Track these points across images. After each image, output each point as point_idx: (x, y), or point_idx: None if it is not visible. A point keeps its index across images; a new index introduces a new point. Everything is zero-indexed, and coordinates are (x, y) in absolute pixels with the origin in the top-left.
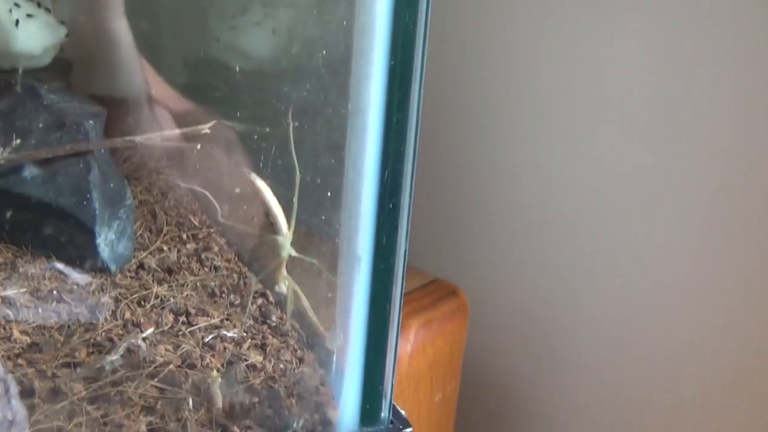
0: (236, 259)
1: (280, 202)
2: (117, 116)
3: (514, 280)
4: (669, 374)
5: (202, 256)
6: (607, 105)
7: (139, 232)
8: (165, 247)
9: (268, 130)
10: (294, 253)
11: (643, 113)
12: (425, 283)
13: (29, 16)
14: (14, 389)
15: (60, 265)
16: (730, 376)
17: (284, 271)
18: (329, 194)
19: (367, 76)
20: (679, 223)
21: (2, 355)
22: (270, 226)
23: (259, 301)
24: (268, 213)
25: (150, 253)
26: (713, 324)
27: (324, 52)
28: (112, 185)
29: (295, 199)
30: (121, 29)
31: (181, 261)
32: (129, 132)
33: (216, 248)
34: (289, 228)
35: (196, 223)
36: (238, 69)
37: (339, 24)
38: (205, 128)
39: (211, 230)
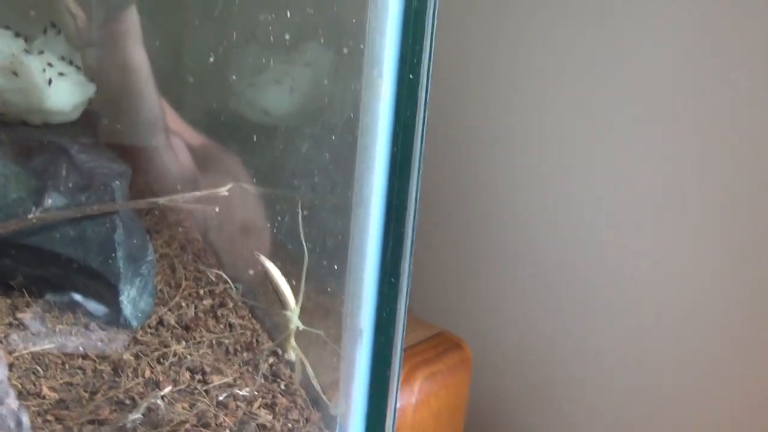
0: (250, 315)
1: (287, 274)
2: (141, 166)
3: (518, 333)
4: (681, 422)
5: (218, 312)
6: (615, 150)
7: (159, 287)
8: (183, 303)
9: (280, 202)
10: (302, 327)
11: (655, 166)
12: (430, 336)
13: (61, 74)
14: (26, 422)
15: (85, 321)
16: (746, 421)
17: (293, 342)
18: (336, 268)
19: (370, 168)
20: (688, 273)
21: (33, 411)
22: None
23: (271, 360)
24: (276, 291)
25: (169, 309)
26: (728, 376)
27: (333, 139)
28: (135, 241)
29: (303, 279)
30: (138, 58)
31: (198, 317)
32: (152, 182)
33: (231, 304)
34: (296, 303)
35: (213, 278)
36: (254, 135)
37: (345, 113)
38: (224, 191)
39: (227, 285)
